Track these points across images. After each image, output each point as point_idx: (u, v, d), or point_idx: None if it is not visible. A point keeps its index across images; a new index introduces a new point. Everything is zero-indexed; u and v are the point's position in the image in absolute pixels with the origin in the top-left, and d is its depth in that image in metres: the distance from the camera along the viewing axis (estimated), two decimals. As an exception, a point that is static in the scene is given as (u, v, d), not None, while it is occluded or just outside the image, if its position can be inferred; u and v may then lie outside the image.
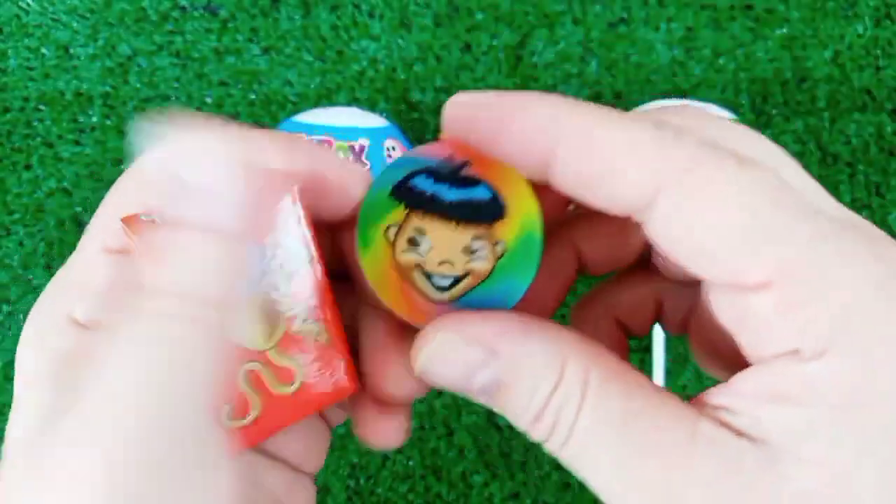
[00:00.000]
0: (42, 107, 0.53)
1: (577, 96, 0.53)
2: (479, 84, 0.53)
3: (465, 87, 0.53)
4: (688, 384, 0.53)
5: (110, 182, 0.57)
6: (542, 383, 0.16)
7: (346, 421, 0.52)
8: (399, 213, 0.18)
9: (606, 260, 0.22)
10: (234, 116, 0.53)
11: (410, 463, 0.53)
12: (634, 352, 0.54)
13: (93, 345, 0.17)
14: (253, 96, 0.53)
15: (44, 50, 0.53)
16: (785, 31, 0.53)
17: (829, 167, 0.54)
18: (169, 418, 0.16)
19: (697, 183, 0.15)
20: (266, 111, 0.53)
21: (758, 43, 0.53)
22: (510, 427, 0.53)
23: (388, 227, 0.18)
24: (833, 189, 0.54)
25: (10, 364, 0.53)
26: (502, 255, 0.18)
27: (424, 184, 0.18)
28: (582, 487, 0.53)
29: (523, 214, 0.18)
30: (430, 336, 0.17)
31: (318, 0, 0.52)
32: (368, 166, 0.44)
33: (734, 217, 0.15)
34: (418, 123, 0.53)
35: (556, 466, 0.53)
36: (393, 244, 0.18)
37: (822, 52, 0.53)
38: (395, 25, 0.53)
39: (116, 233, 0.18)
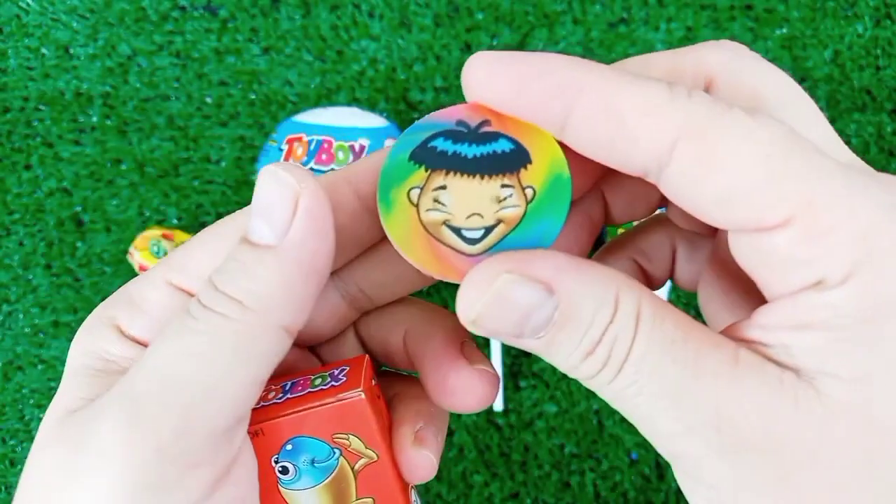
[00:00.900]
0: (42, 107, 0.53)
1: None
2: (479, 84, 0.53)
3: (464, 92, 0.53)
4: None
5: (110, 182, 0.56)
6: (597, 317, 0.16)
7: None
8: (420, 174, 0.18)
9: (629, 208, 0.23)
10: (234, 116, 0.53)
11: (410, 463, 0.53)
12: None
13: (130, 352, 0.19)
14: (253, 96, 0.53)
15: (44, 50, 0.53)
16: (785, 31, 0.53)
17: (829, 167, 0.54)
18: (202, 410, 0.17)
19: (711, 139, 0.16)
20: (266, 111, 0.53)
21: (758, 43, 0.53)
22: (510, 427, 0.53)
23: (410, 189, 0.18)
24: (833, 189, 0.54)
25: (10, 364, 0.53)
26: (533, 199, 0.18)
27: (444, 145, 0.18)
28: (582, 487, 0.53)
29: (549, 158, 0.18)
30: (486, 280, 0.17)
31: (318, 0, 0.52)
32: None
33: (749, 165, 0.15)
34: (418, 123, 0.53)
35: (556, 466, 0.53)
36: (416, 205, 0.18)
37: (822, 52, 0.53)
38: (395, 25, 0.53)
39: (185, 273, 0.19)
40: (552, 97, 0.16)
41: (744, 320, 0.17)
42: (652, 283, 0.24)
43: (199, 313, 0.17)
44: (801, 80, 0.54)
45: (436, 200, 0.18)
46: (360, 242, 0.21)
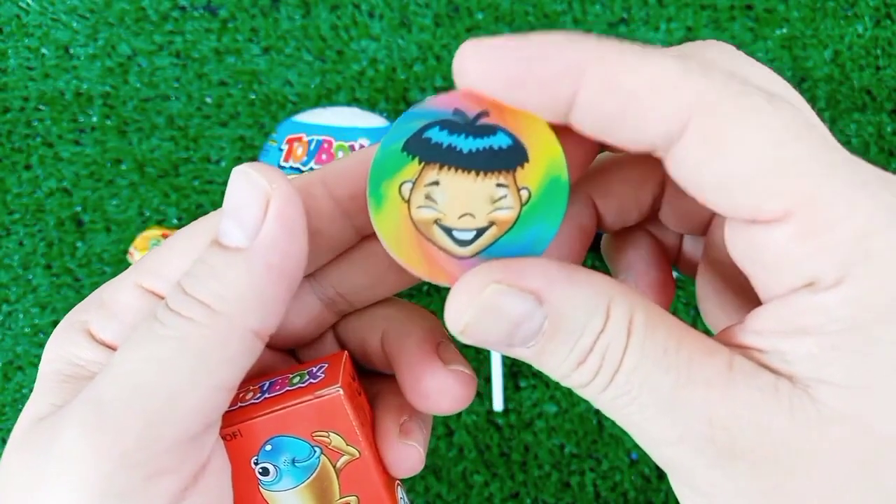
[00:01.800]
0: (42, 107, 0.53)
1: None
2: (479, 84, 0.53)
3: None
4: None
5: (110, 182, 0.56)
6: (588, 326, 0.16)
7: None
8: (413, 167, 0.17)
9: (621, 214, 0.22)
10: (234, 116, 0.53)
11: (410, 463, 0.53)
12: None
13: (101, 357, 0.18)
14: (253, 96, 0.53)
15: (44, 50, 0.53)
16: (785, 31, 0.53)
17: (829, 167, 0.54)
18: (167, 416, 0.16)
19: (725, 117, 0.15)
20: (266, 111, 0.53)
21: (758, 43, 0.53)
22: (510, 427, 0.53)
23: (401, 184, 0.17)
24: (833, 189, 0.54)
25: (10, 364, 0.53)
26: (528, 202, 0.17)
27: (439, 136, 0.17)
28: (581, 487, 0.53)
29: (548, 158, 0.17)
30: (475, 289, 0.16)
31: (318, 0, 0.52)
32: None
33: (758, 151, 0.15)
34: (418, 123, 0.53)
35: (556, 466, 0.53)
36: (408, 201, 0.17)
37: (822, 52, 0.53)
38: (395, 25, 0.53)
39: (156, 276, 0.19)
40: (555, 82, 0.16)
41: (738, 325, 0.17)
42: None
43: (167, 318, 0.17)
44: (801, 80, 0.54)
45: (428, 197, 0.17)
46: (336, 245, 0.20)
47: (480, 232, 0.17)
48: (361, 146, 0.45)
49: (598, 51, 0.15)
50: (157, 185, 0.53)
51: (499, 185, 0.17)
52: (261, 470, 0.20)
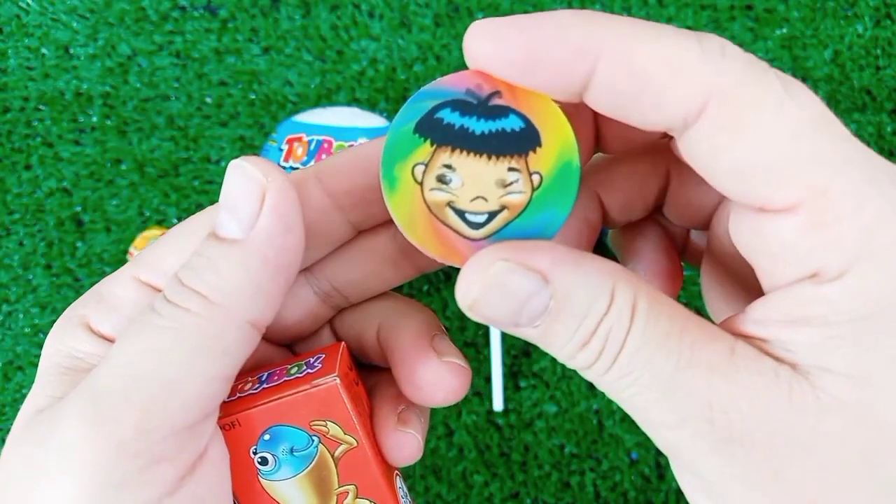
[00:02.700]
0: (42, 107, 0.53)
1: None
2: (479, 84, 0.53)
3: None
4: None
5: (110, 182, 0.56)
6: (593, 308, 0.16)
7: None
8: (425, 149, 0.17)
9: (626, 209, 0.22)
10: (234, 116, 0.53)
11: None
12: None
13: (99, 350, 0.19)
14: (253, 96, 0.53)
15: (44, 50, 0.53)
16: (785, 31, 0.53)
17: (829, 167, 0.54)
18: (164, 406, 0.17)
19: (744, 101, 0.15)
20: (266, 111, 0.53)
21: (758, 43, 0.53)
22: (510, 427, 0.53)
23: (414, 166, 0.17)
24: (833, 189, 0.54)
25: (10, 364, 0.53)
26: (539, 186, 0.17)
27: (451, 117, 0.17)
28: (581, 487, 0.53)
29: (560, 142, 0.17)
30: (483, 267, 0.16)
31: (318, 0, 0.52)
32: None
33: (774, 140, 0.15)
34: (418, 123, 0.53)
35: (556, 466, 0.53)
36: (421, 183, 0.17)
37: (822, 52, 0.53)
38: (395, 25, 0.53)
39: (154, 270, 0.19)
40: (570, 63, 0.15)
41: (740, 314, 0.17)
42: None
43: (164, 309, 0.17)
44: (801, 80, 0.54)
45: (440, 179, 0.17)
46: (331, 240, 0.20)
47: (492, 215, 0.17)
48: (361, 146, 0.45)
49: (614, 29, 0.15)
50: (157, 185, 0.53)
51: (511, 168, 0.17)
52: (259, 459, 0.20)
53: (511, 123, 0.17)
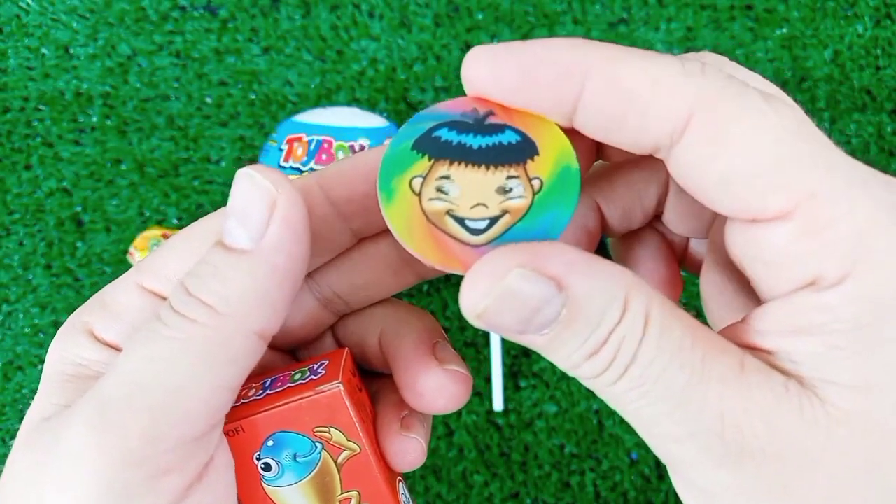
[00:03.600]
0: (42, 107, 0.53)
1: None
2: (479, 84, 0.53)
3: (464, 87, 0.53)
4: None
5: (110, 182, 0.56)
6: (606, 316, 0.16)
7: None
8: (423, 164, 0.17)
9: (625, 218, 0.22)
10: (234, 116, 0.53)
11: (410, 463, 0.53)
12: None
13: (104, 357, 0.19)
14: (253, 96, 0.53)
15: (44, 50, 0.53)
16: (785, 31, 0.53)
17: (829, 167, 0.54)
18: (171, 415, 0.17)
19: (726, 115, 0.15)
20: (266, 111, 0.53)
21: (758, 43, 0.53)
22: (510, 427, 0.53)
23: (412, 178, 0.17)
24: (833, 189, 0.54)
25: (10, 364, 0.53)
26: (540, 189, 0.17)
27: (448, 135, 0.18)
28: (582, 487, 0.53)
29: (557, 149, 0.17)
30: (495, 274, 0.16)
31: (318, 0, 0.52)
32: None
33: (757, 148, 0.15)
34: (418, 123, 0.53)
35: (556, 466, 0.53)
36: (419, 194, 0.17)
37: (822, 52, 0.53)
38: (395, 25, 0.53)
39: (157, 276, 0.19)
40: (559, 83, 0.16)
41: (741, 324, 0.17)
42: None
43: (170, 319, 0.17)
44: (801, 80, 0.54)
45: (439, 190, 0.17)
46: (333, 247, 0.20)
47: (494, 221, 0.17)
48: (362, 146, 0.45)
49: (601, 53, 0.16)
50: (157, 185, 0.53)
51: (510, 177, 0.17)
52: (263, 465, 0.20)
53: (508, 137, 0.18)
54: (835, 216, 0.15)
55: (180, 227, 0.52)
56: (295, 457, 0.20)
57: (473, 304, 0.16)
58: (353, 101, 0.53)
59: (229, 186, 0.53)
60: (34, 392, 0.55)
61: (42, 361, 0.53)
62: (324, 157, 0.44)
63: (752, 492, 0.16)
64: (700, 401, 0.15)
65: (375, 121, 0.47)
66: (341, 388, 0.20)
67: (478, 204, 0.17)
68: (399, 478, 0.22)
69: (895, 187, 0.16)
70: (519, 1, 0.53)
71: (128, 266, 0.53)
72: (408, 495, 0.23)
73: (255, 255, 0.17)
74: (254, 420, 0.20)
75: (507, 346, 0.54)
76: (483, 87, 0.17)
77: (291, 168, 0.44)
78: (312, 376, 0.21)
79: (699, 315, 0.18)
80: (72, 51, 0.53)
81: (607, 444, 0.53)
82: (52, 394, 0.18)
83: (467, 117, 0.18)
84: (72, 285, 0.53)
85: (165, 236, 0.49)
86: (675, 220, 0.22)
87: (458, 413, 0.54)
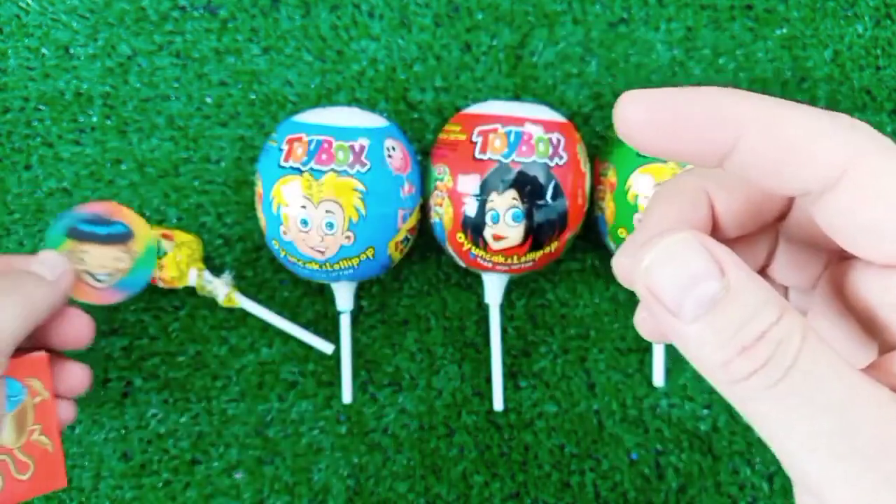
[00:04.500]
0: (42, 107, 0.53)
1: (577, 96, 0.53)
2: (479, 84, 0.53)
3: (465, 87, 0.53)
4: (687, 384, 0.53)
5: (110, 182, 0.57)
6: (763, 313, 0.16)
7: (345, 422, 0.52)
8: (70, 243, 0.37)
9: (740, 220, 0.22)
10: (234, 116, 0.53)
11: (410, 463, 0.53)
12: (634, 352, 0.54)
13: None
14: (253, 96, 0.53)
15: (44, 50, 0.53)
16: (785, 31, 0.53)
17: (829, 167, 0.54)
18: None
19: (881, 168, 0.17)
20: (266, 111, 0.53)
21: (758, 43, 0.53)
22: (510, 427, 0.53)
23: (66, 252, 0.41)
24: (833, 189, 0.54)
25: (10, 364, 0.53)
26: (136, 258, 0.40)
27: (83, 226, 0.39)
28: (581, 487, 0.53)
29: (146, 235, 0.42)
30: (670, 234, 0.17)
31: (318, 0, 0.52)
32: (368, 166, 0.44)
33: None
34: (418, 123, 0.53)
35: (556, 466, 0.53)
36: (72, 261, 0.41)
37: (822, 52, 0.53)
38: (395, 25, 0.53)
39: None
40: (717, 129, 0.17)
41: (869, 369, 0.17)
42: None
43: None
44: (801, 80, 0.54)
45: (80, 259, 0.39)
46: None
47: (112, 274, 0.37)
48: (361, 146, 0.45)
49: (757, 103, 0.17)
50: (157, 185, 0.53)
51: (121, 251, 0.39)
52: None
53: (118, 228, 0.39)
54: None
55: (180, 227, 0.52)
56: (9, 396, 0.35)
57: (641, 258, 0.17)
58: (353, 101, 0.53)
59: (229, 186, 0.53)
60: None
61: (42, 361, 0.53)
62: (323, 156, 0.44)
63: None
64: (855, 421, 0.15)
65: (375, 121, 0.47)
66: (45, 355, 0.38)
67: (102, 266, 0.41)
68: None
69: None
70: (519, 1, 0.53)
71: (128, 266, 0.53)
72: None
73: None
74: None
75: (507, 345, 0.54)
76: (638, 129, 0.18)
77: (291, 168, 0.44)
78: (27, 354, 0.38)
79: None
80: (72, 51, 0.53)
81: (607, 444, 0.53)
82: None
83: (94, 216, 0.40)
84: (72, 285, 0.53)
85: (165, 236, 0.49)
86: (783, 271, 0.23)
87: (458, 413, 0.54)
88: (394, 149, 0.46)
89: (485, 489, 0.53)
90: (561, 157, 0.45)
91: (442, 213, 0.47)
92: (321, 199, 0.44)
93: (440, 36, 0.53)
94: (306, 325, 0.53)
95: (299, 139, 0.45)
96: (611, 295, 0.54)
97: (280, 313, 0.52)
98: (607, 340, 0.54)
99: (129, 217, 0.41)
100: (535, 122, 0.45)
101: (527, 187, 0.44)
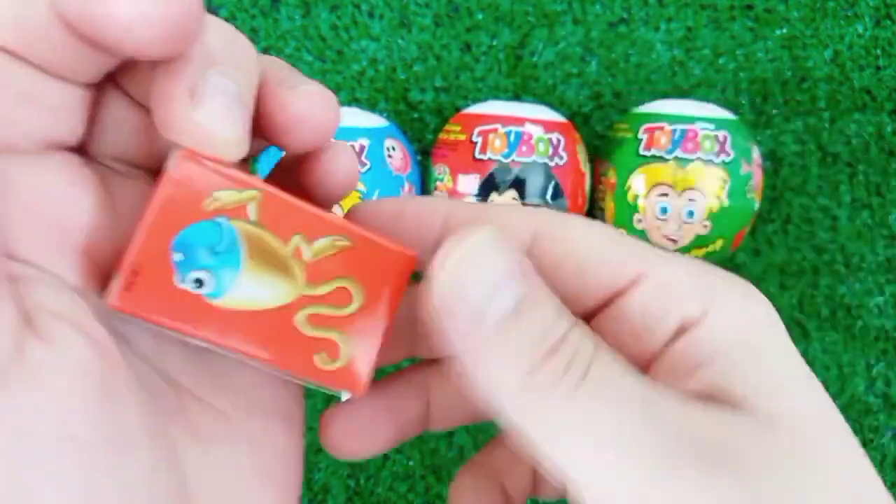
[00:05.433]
0: (42, 107, 0.53)
1: (577, 96, 0.53)
2: (479, 84, 0.53)
3: (465, 87, 0.53)
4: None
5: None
6: (559, 322, 0.16)
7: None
8: None
9: (454, 411, 0.23)
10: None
11: (410, 463, 0.53)
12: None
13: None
14: (253, 96, 0.53)
15: (44, 50, 0.53)
16: (785, 31, 0.53)
17: (829, 167, 0.54)
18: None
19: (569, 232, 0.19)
20: (266, 111, 0.53)
21: (758, 43, 0.53)
22: (510, 427, 0.53)
23: None
24: (833, 189, 0.54)
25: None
26: None
27: None
28: (582, 487, 0.53)
29: None
30: (471, 231, 0.16)
31: (318, 0, 0.52)
32: (368, 166, 0.44)
33: (594, 241, 0.19)
34: (418, 123, 0.53)
35: (556, 466, 0.53)
36: None
37: (822, 52, 0.53)
38: (395, 25, 0.53)
39: None
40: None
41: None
42: None
43: None
44: (801, 80, 0.54)
45: None
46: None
47: None
48: (361, 146, 0.45)
49: (548, 217, 0.19)
50: (157, 185, 0.53)
51: None
52: (194, 283, 0.16)
53: None
54: (671, 277, 0.18)
55: (180, 227, 0.52)
56: (213, 249, 0.16)
57: (442, 258, 0.16)
58: (353, 101, 0.53)
59: (229, 186, 0.53)
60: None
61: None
62: (324, 157, 0.44)
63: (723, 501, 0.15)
64: (656, 419, 0.15)
65: (375, 121, 0.47)
66: (180, 154, 0.16)
67: None
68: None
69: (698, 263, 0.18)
70: (519, 1, 0.53)
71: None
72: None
73: None
74: (135, 247, 0.15)
75: (507, 346, 0.54)
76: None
77: (291, 168, 0.45)
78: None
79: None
80: (72, 51, 0.53)
81: (607, 444, 0.53)
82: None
83: None
84: (72, 285, 0.53)
85: (165, 236, 0.48)
86: (440, 413, 0.24)
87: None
88: (394, 149, 0.46)
89: (485, 489, 0.53)
90: (561, 157, 0.45)
91: (442, 213, 0.47)
92: (321, 199, 0.44)
93: (440, 36, 0.53)
94: (306, 325, 0.53)
95: (299, 139, 0.45)
96: (611, 295, 0.54)
97: (280, 313, 0.52)
98: (607, 340, 0.54)
99: None
100: (534, 122, 0.45)
101: (527, 187, 0.44)
